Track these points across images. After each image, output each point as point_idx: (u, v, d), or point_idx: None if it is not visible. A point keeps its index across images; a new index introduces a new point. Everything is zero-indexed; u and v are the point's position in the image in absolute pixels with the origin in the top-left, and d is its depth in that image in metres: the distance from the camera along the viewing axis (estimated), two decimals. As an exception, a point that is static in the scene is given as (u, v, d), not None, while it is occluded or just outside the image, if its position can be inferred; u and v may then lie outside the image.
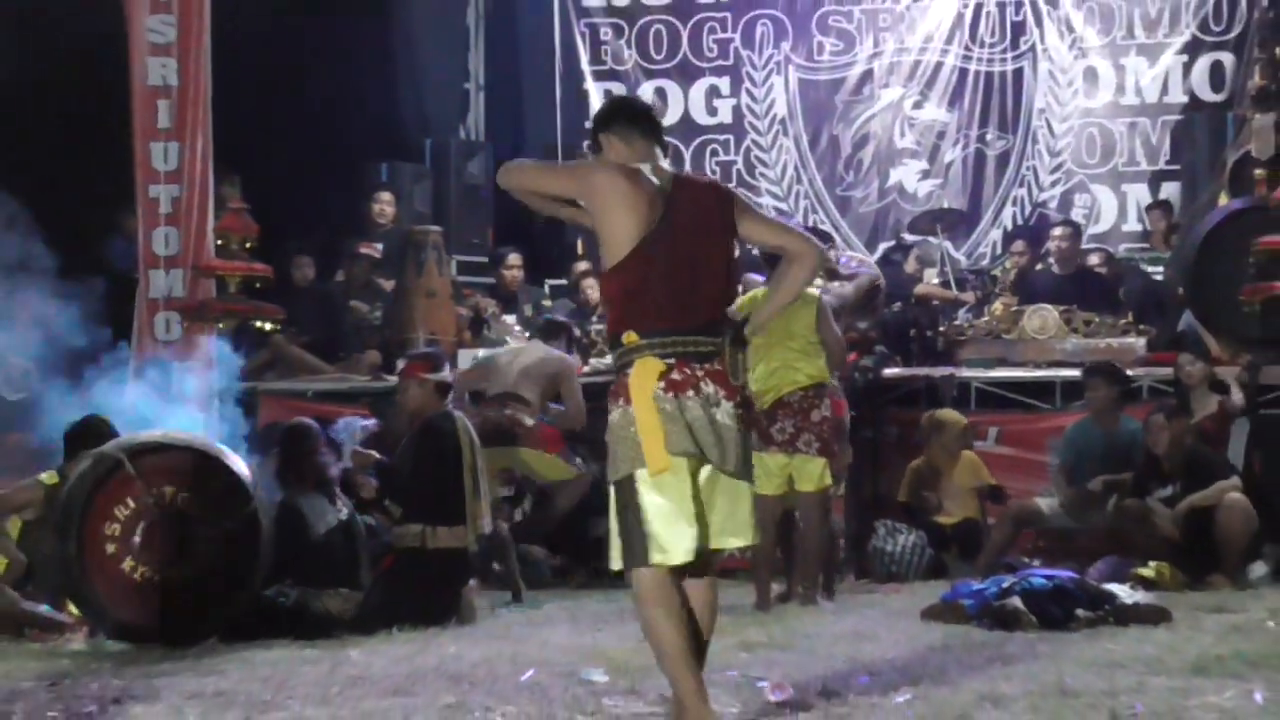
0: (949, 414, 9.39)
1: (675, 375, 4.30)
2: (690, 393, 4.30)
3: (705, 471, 4.36)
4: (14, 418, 8.07)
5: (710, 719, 4.28)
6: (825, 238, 10.34)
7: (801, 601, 7.55)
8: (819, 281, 8.46)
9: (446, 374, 7.50)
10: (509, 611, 7.69)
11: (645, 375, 4.31)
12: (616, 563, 4.38)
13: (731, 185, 13.36)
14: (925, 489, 9.29)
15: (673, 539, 4.28)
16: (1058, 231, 11.01)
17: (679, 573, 4.33)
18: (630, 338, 4.36)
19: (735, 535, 4.44)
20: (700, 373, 4.31)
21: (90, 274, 8.11)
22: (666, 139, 4.69)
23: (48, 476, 7.00)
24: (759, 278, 7.96)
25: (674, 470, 4.28)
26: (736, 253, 4.66)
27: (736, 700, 4.83)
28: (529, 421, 8.83)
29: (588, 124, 14.65)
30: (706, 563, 4.42)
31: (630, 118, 4.58)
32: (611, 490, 4.40)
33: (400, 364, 7.82)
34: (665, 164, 4.54)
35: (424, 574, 7.02)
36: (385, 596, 6.98)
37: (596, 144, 4.60)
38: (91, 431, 7.05)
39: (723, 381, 4.34)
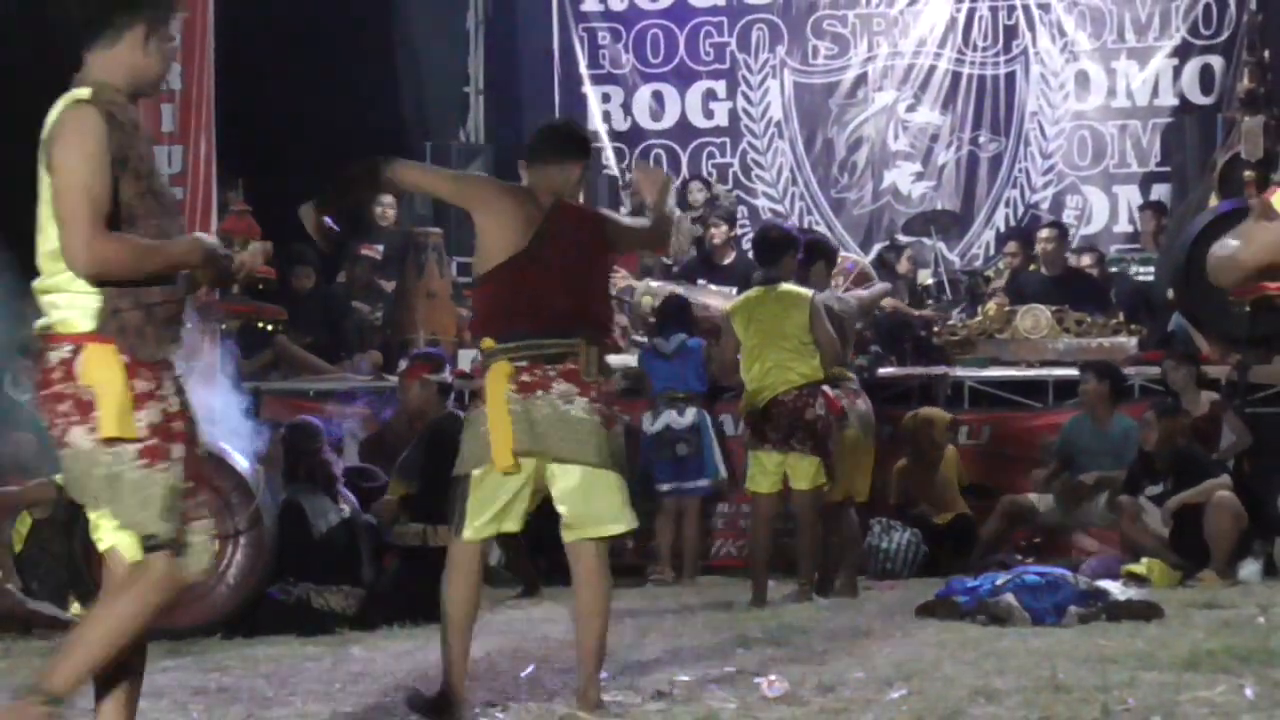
0: (934, 411, 9.46)
1: (525, 377, 4.58)
2: (539, 393, 4.58)
3: (557, 468, 4.64)
4: (20, 417, 8.09)
5: (456, 700, 4.59)
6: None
7: (797, 598, 7.62)
8: (838, 284, 8.57)
9: (448, 375, 7.56)
10: (515, 606, 7.75)
11: (498, 378, 4.60)
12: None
13: (728, 187, 13.33)
14: (915, 489, 9.35)
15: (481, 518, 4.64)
16: (1044, 233, 11.06)
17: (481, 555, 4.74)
18: (487, 343, 4.67)
19: (612, 523, 4.73)
20: (553, 373, 4.60)
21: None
22: (602, 148, 4.96)
23: (61, 478, 7.03)
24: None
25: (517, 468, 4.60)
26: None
27: (734, 696, 4.88)
28: None
29: (586, 127, 14.69)
30: (589, 551, 4.74)
31: (534, 147, 4.92)
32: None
33: (402, 365, 7.87)
34: (569, 183, 4.82)
35: (426, 572, 7.08)
36: (387, 593, 7.05)
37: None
38: None
39: (577, 379, 4.62)
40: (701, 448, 9.24)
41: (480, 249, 4.72)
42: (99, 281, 3.50)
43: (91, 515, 3.66)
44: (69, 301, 3.53)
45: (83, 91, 3.56)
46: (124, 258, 3.52)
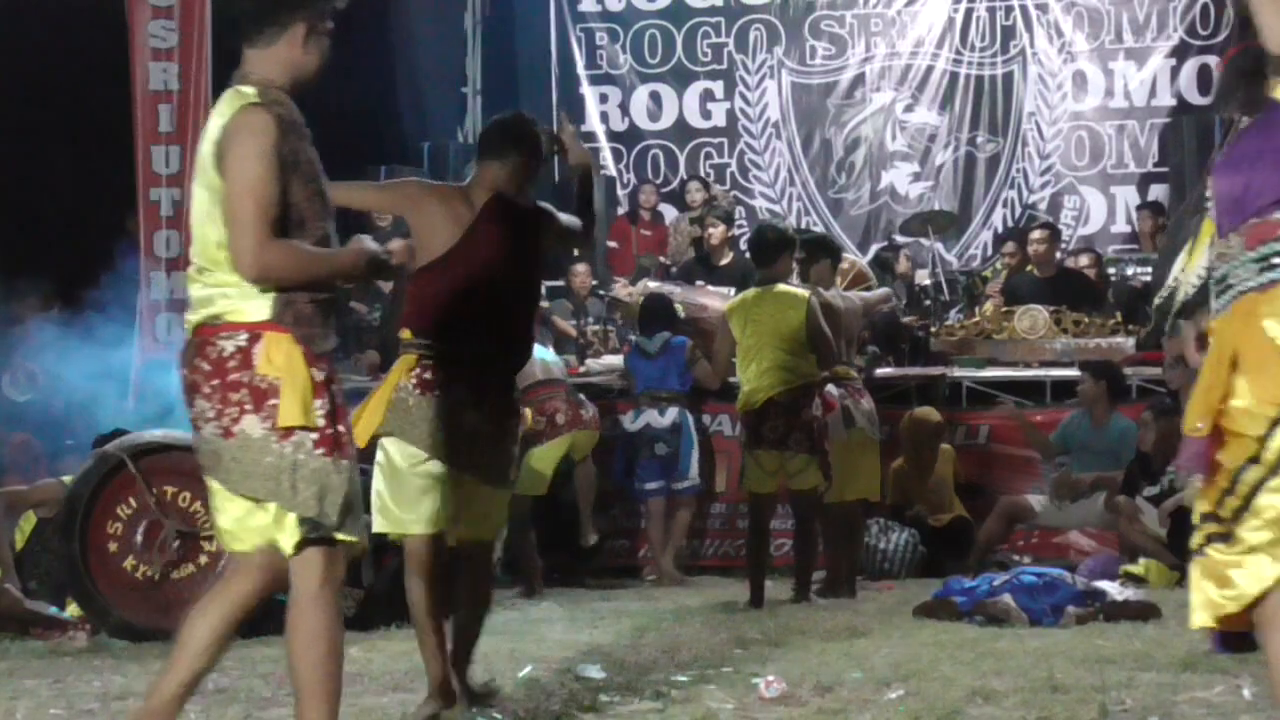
0: (928, 411, 9.46)
1: (427, 375, 4.69)
2: (438, 392, 4.66)
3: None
4: (20, 418, 8.11)
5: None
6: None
7: (795, 598, 7.62)
8: (838, 284, 8.61)
9: None
10: (512, 606, 7.75)
11: (400, 369, 4.74)
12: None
13: (725, 187, 13.26)
14: (911, 489, 9.36)
15: (384, 516, 4.79)
16: (1035, 235, 11.04)
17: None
18: (405, 334, 4.81)
19: (480, 529, 4.87)
20: (455, 378, 4.68)
21: (96, 277, 8.17)
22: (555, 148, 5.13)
23: (70, 479, 7.05)
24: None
25: (386, 452, 4.73)
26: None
27: (731, 696, 4.89)
28: (584, 412, 8.95)
29: (583, 127, 14.64)
30: (461, 550, 4.89)
31: (479, 144, 5.06)
32: None
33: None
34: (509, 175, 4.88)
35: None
36: (386, 593, 7.03)
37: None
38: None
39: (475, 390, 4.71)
40: (679, 449, 9.22)
41: (417, 248, 4.82)
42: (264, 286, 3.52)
43: (224, 509, 3.61)
44: (242, 291, 3.53)
45: (249, 91, 3.61)
46: (291, 265, 3.55)
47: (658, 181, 13.19)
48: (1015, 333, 10.21)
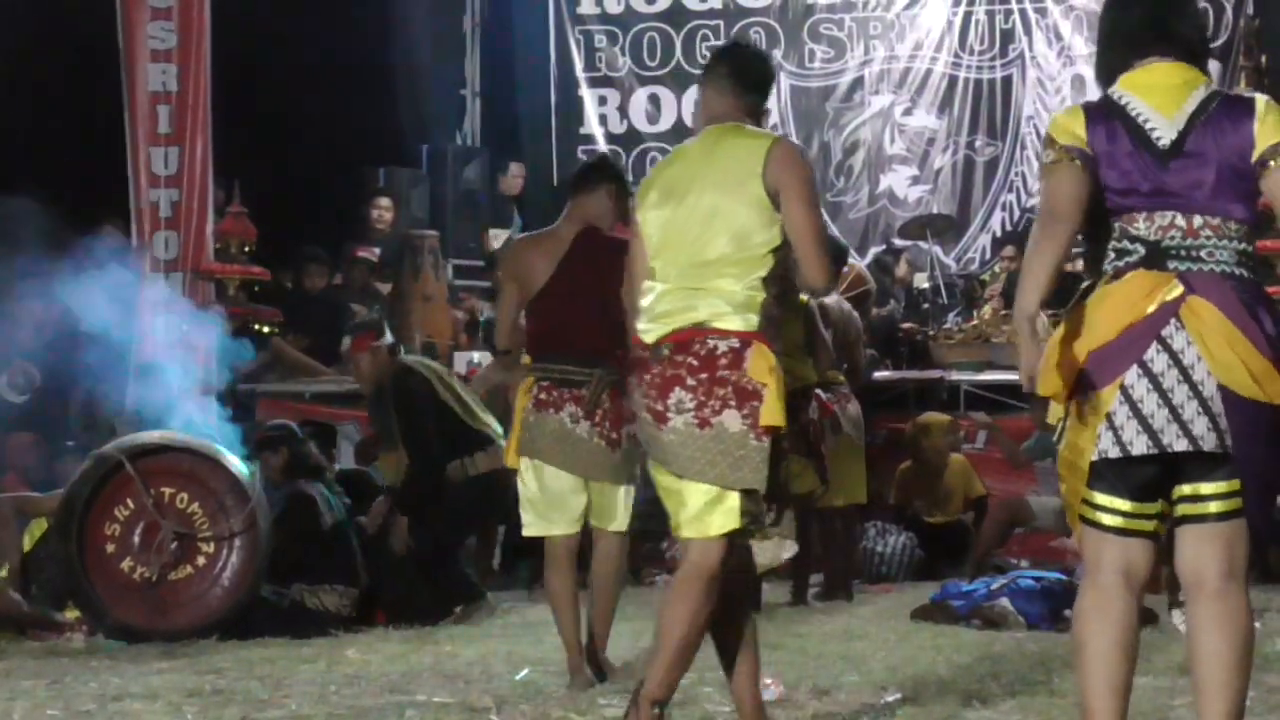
0: (935, 416, 9.45)
1: (541, 395, 5.32)
2: (551, 411, 5.29)
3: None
4: (19, 420, 8.11)
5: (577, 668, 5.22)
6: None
7: (793, 602, 7.63)
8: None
9: (390, 337, 7.49)
10: (515, 608, 7.76)
11: (523, 393, 5.38)
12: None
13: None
14: (915, 492, 9.35)
15: (535, 519, 5.39)
16: (1033, 236, 11.02)
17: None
18: (526, 360, 5.50)
19: (604, 520, 5.40)
20: (566, 395, 5.29)
21: (94, 277, 8.16)
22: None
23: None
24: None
25: (526, 468, 5.35)
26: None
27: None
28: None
29: (581, 129, 14.59)
30: (601, 538, 5.43)
31: (570, 183, 5.67)
32: None
33: (345, 341, 7.69)
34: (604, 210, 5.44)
35: (422, 573, 7.09)
36: (382, 593, 7.06)
37: None
38: None
39: (583, 405, 5.28)
40: None
41: (526, 291, 5.45)
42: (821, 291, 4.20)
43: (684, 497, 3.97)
44: (734, 306, 3.97)
45: (762, 130, 4.18)
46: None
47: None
48: (1013, 336, 10.19)
